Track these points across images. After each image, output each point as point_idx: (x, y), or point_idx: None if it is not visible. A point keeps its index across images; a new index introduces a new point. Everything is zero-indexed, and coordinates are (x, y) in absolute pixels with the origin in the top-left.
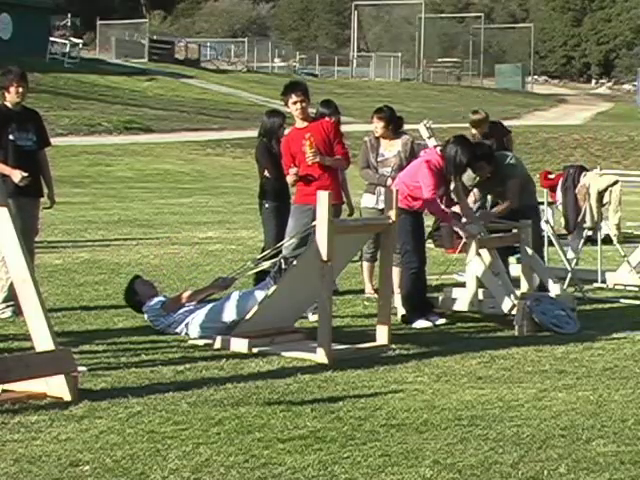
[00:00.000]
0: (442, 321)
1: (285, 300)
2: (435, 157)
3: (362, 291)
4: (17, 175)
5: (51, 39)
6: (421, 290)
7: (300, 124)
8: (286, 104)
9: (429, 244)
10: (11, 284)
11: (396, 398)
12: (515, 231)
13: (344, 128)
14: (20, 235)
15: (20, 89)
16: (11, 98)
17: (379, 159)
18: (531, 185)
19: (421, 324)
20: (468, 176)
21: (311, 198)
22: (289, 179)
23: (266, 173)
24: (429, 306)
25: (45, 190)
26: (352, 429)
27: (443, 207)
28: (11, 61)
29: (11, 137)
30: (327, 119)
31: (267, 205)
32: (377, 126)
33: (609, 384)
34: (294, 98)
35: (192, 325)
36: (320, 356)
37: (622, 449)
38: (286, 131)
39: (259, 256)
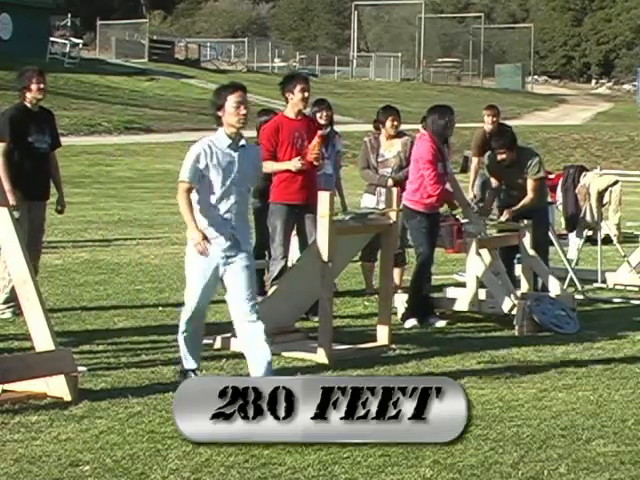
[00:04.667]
0: (442, 323)
1: (285, 300)
2: (425, 139)
3: (362, 291)
4: (12, 200)
5: (51, 39)
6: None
7: (292, 115)
8: (291, 92)
9: None
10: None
11: None
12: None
13: (344, 128)
14: (22, 236)
15: (41, 85)
16: (33, 96)
17: (379, 159)
18: (545, 188)
19: (410, 323)
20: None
21: (293, 197)
22: (295, 165)
23: None
24: (430, 307)
25: (53, 191)
26: None
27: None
28: (11, 61)
29: (30, 139)
30: (316, 120)
31: (257, 205)
32: (394, 125)
33: (609, 384)
34: (303, 85)
35: None
36: (320, 356)
37: (622, 449)
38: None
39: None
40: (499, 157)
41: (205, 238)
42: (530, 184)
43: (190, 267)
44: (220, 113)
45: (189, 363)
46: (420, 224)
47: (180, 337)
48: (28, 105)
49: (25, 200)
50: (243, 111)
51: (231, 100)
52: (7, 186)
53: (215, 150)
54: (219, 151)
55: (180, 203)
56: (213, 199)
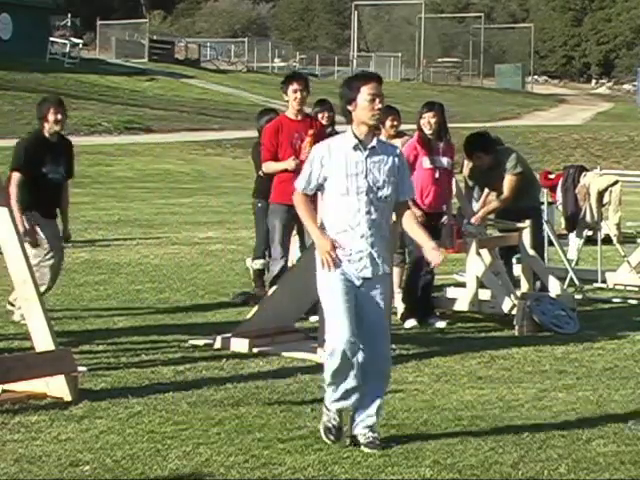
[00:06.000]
0: (442, 324)
1: (285, 300)
2: (414, 136)
3: None
4: (21, 227)
5: (51, 39)
6: (425, 290)
7: (292, 115)
8: (285, 93)
9: None
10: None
11: (396, 398)
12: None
13: (344, 128)
14: (21, 236)
15: (58, 116)
16: (50, 127)
17: None
18: (535, 186)
19: (410, 323)
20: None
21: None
22: (289, 165)
23: (260, 172)
24: (430, 308)
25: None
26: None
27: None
28: (11, 61)
29: (44, 170)
30: (319, 120)
31: (259, 204)
32: (394, 125)
33: (609, 384)
34: (295, 86)
35: None
36: (320, 356)
37: (622, 449)
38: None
39: (252, 256)
40: (475, 162)
41: (334, 248)
42: (505, 181)
43: (324, 291)
44: (351, 107)
45: (336, 404)
46: None
47: (330, 380)
48: (46, 135)
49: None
50: (378, 105)
51: (365, 92)
52: (18, 217)
53: (337, 153)
54: (342, 154)
55: (299, 212)
56: (340, 211)
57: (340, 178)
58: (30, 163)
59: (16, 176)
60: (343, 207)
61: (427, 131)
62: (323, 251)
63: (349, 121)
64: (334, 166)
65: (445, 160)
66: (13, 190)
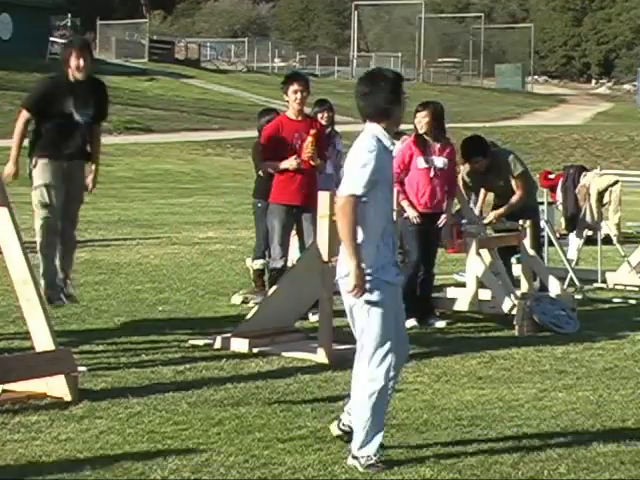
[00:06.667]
0: (442, 324)
1: (285, 300)
2: (407, 142)
3: None
4: (9, 172)
5: (51, 39)
6: (424, 290)
7: (293, 116)
8: (285, 93)
9: None
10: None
11: (396, 398)
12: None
13: (344, 128)
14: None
15: (81, 61)
16: (72, 73)
17: None
18: (532, 186)
19: (410, 323)
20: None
21: (292, 197)
22: (290, 164)
23: (260, 172)
24: (430, 308)
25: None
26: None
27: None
28: (11, 61)
29: (67, 111)
30: (318, 120)
31: (260, 204)
32: None
33: (609, 384)
34: (295, 87)
35: None
36: (320, 356)
37: (622, 449)
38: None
39: (252, 256)
40: (474, 165)
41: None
42: (514, 183)
43: (370, 308)
44: (394, 107)
45: (377, 439)
46: (412, 224)
47: (366, 402)
48: (70, 76)
49: (59, 160)
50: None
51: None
52: (14, 152)
53: (385, 155)
54: (388, 156)
55: (346, 223)
56: (379, 219)
57: (386, 182)
58: (48, 103)
59: (24, 115)
60: (380, 214)
61: (419, 130)
62: (358, 288)
63: (382, 121)
64: (386, 169)
65: (441, 160)
66: (19, 126)
